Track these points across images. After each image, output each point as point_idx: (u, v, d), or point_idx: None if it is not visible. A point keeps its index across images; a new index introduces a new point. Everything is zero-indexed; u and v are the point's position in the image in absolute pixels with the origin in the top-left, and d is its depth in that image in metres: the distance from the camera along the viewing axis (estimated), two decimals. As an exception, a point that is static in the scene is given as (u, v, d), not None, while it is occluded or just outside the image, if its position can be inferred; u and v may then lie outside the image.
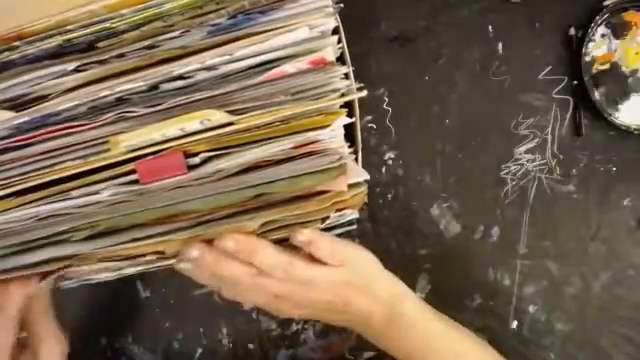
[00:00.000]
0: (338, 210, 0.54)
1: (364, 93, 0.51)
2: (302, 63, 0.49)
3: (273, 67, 0.49)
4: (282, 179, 0.51)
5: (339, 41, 0.53)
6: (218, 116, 0.48)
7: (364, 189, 0.56)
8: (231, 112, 0.49)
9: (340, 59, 0.55)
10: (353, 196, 0.54)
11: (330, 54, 0.49)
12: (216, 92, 0.50)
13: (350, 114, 0.53)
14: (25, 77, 0.51)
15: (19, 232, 0.54)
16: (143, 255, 0.54)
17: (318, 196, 0.52)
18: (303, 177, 0.51)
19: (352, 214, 0.57)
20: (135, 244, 0.53)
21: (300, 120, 0.50)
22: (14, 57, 0.51)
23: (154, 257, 0.54)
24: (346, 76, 0.51)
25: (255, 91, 0.50)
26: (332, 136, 0.50)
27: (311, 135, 0.50)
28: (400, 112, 0.81)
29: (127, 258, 0.54)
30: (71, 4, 0.49)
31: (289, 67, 0.49)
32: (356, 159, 0.61)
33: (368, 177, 0.55)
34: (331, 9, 0.49)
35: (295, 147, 0.50)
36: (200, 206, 0.52)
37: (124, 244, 0.53)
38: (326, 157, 0.51)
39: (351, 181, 0.53)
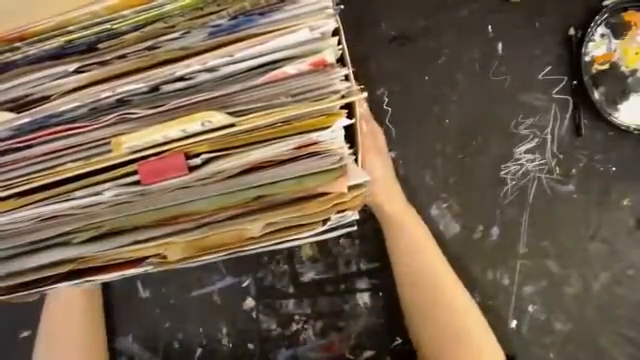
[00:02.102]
0: (339, 212, 0.53)
1: (364, 95, 0.51)
2: (303, 65, 0.49)
3: (274, 68, 0.49)
4: (283, 180, 0.51)
5: (339, 42, 0.53)
6: (219, 117, 0.48)
7: (364, 190, 0.56)
8: (232, 113, 0.49)
9: (340, 60, 0.55)
10: (353, 197, 0.54)
11: (330, 55, 0.49)
12: (217, 93, 0.50)
13: (350, 115, 0.52)
14: (26, 78, 0.51)
15: (23, 233, 0.54)
16: (146, 258, 0.54)
17: (319, 198, 0.52)
18: (304, 178, 0.51)
19: (353, 215, 0.57)
20: (138, 246, 0.53)
21: (301, 121, 0.50)
22: (15, 58, 0.51)
23: (156, 260, 0.53)
24: (346, 78, 0.51)
25: (256, 92, 0.50)
26: (333, 137, 0.50)
27: (312, 136, 0.50)
28: (400, 112, 0.81)
29: (130, 262, 0.54)
30: (72, 5, 0.49)
31: (290, 68, 0.49)
32: (356, 160, 0.60)
33: (369, 178, 0.55)
34: (331, 10, 0.49)
35: (296, 148, 0.50)
36: (202, 207, 0.52)
37: (127, 246, 0.53)
38: (327, 158, 0.51)
39: (351, 182, 0.52)
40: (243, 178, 0.52)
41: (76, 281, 0.55)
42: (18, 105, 0.52)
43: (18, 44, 0.51)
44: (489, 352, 0.71)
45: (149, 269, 0.54)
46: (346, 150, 0.52)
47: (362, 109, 0.72)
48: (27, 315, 0.81)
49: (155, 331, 0.85)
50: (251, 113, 0.49)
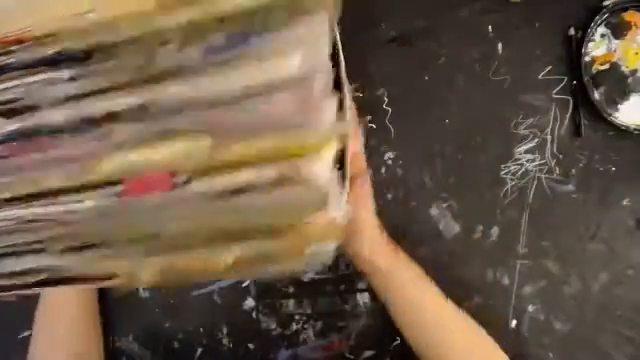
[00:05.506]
0: (317, 242, 0.53)
1: (366, 120, 0.50)
2: (294, 91, 0.48)
3: (265, 93, 0.48)
4: (264, 207, 0.51)
5: (335, 64, 0.52)
6: (204, 142, 0.48)
7: (346, 221, 0.55)
8: (218, 138, 0.49)
9: (336, 80, 0.54)
10: (333, 228, 0.53)
11: (323, 83, 0.48)
12: (205, 116, 0.49)
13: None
14: (18, 81, 0.51)
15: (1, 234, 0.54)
16: (116, 275, 0.53)
17: (298, 227, 0.52)
18: (284, 207, 0.51)
19: (331, 245, 0.55)
20: (110, 263, 0.53)
21: (286, 149, 0.49)
22: (10, 61, 0.51)
23: (125, 280, 0.53)
24: (341, 104, 0.50)
25: (244, 118, 0.49)
26: (319, 167, 0.50)
27: (296, 165, 0.49)
28: (400, 112, 0.81)
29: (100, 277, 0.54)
30: (68, 13, 0.49)
31: (281, 95, 0.48)
32: (343, 186, 0.59)
33: (351, 209, 0.54)
34: (327, 37, 0.48)
35: (279, 176, 0.50)
36: (178, 227, 0.52)
37: (99, 261, 0.53)
38: (309, 188, 0.50)
39: (334, 214, 0.52)
40: (225, 201, 0.51)
41: (50, 287, 0.55)
42: (7, 109, 0.52)
43: (13, 48, 0.51)
44: None
45: (119, 285, 0.54)
46: (332, 180, 0.51)
47: (355, 147, 0.66)
48: (27, 315, 0.81)
49: (155, 331, 0.85)
50: (237, 140, 0.49)
